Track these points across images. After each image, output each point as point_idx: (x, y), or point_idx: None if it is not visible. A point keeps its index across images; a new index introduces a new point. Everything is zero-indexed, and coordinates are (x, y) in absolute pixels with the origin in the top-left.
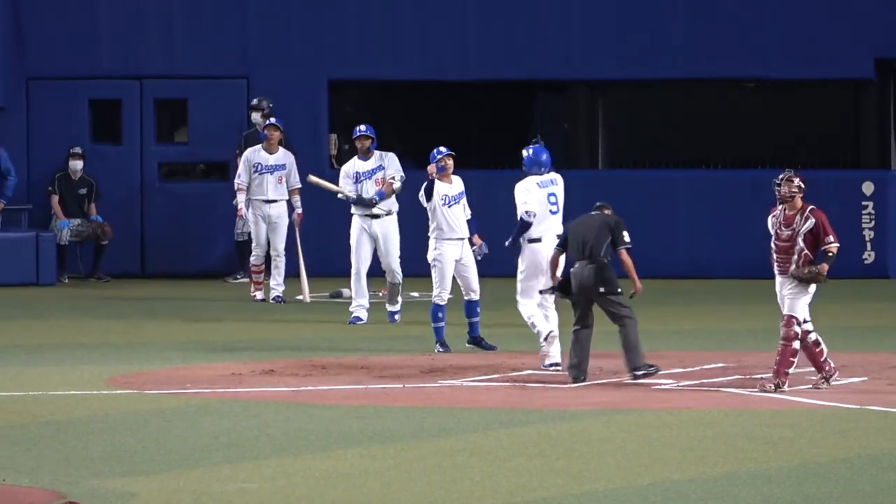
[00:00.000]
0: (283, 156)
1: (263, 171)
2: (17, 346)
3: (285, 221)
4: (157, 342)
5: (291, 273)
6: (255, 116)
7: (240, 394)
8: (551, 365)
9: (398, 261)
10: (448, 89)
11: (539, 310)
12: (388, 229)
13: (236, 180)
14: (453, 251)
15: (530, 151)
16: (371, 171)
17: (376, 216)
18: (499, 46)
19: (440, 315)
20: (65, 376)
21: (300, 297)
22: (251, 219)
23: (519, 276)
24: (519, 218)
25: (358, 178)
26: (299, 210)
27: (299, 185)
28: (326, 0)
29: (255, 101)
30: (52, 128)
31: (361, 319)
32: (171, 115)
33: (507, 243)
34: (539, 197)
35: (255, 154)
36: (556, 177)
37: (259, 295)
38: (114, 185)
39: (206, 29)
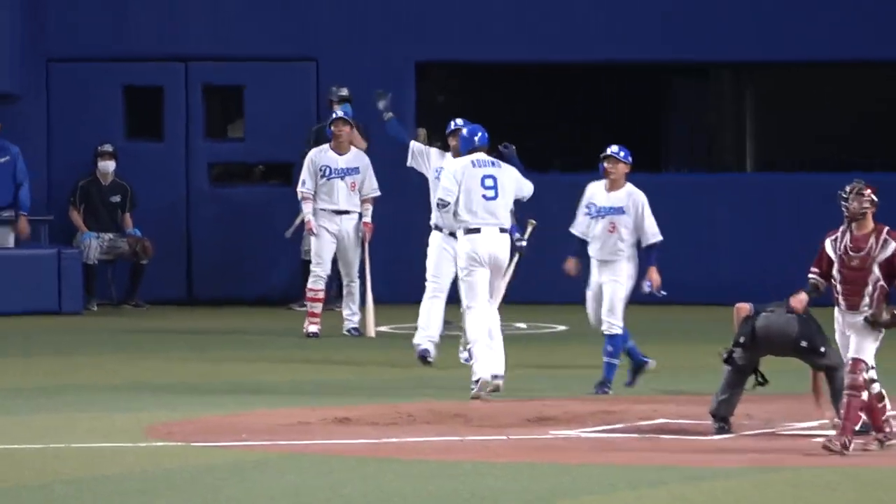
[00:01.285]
0: (356, 157)
1: (332, 175)
2: (35, 387)
3: (359, 237)
4: (207, 383)
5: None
6: (337, 109)
7: (308, 447)
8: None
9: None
10: (558, 72)
11: (483, 331)
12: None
13: (300, 188)
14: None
15: (464, 131)
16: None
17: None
18: (621, 21)
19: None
20: (93, 425)
21: (352, 327)
22: (315, 232)
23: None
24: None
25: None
26: (367, 219)
27: (377, 193)
28: None
29: (336, 90)
30: (78, 121)
31: (429, 353)
32: (223, 106)
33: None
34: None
35: (321, 155)
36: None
37: (313, 329)
38: (153, 191)
39: (264, 2)
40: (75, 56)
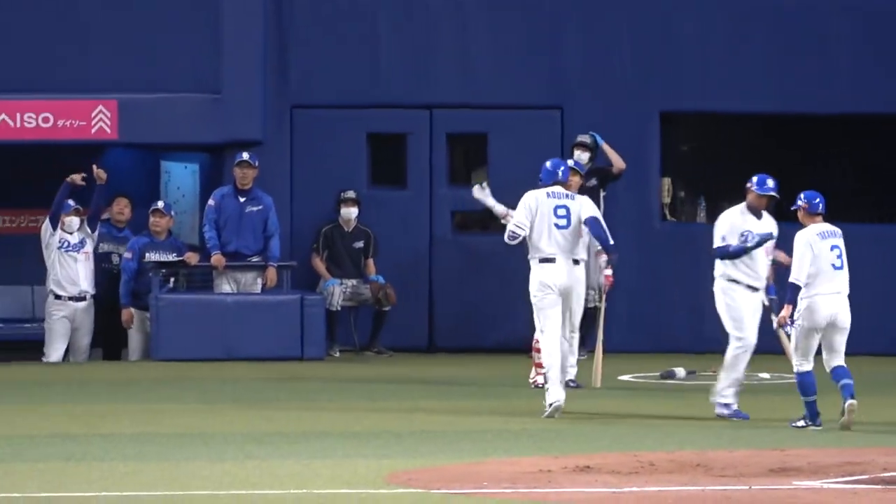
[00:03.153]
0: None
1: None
2: (277, 433)
3: (584, 287)
4: (448, 431)
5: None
6: (580, 155)
7: (548, 495)
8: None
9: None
10: (810, 124)
11: (557, 358)
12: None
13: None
14: None
15: (548, 164)
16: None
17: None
18: (882, 71)
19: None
20: (335, 471)
21: (569, 378)
22: None
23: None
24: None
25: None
26: (608, 272)
27: (610, 242)
28: (658, 20)
29: (580, 138)
30: (321, 167)
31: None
32: (467, 153)
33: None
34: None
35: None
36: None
37: (541, 380)
38: (396, 237)
39: (510, 51)
40: (319, 103)
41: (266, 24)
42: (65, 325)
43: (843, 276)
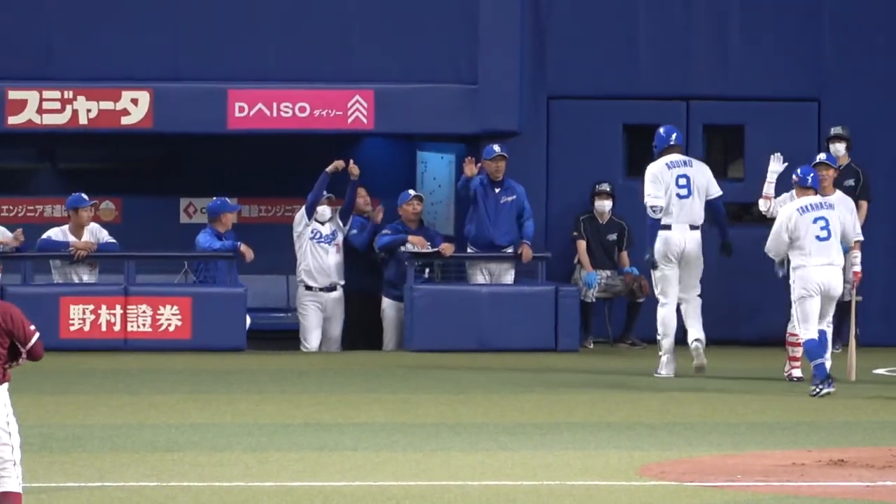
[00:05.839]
0: (840, 200)
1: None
2: (530, 424)
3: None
4: (701, 423)
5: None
6: (838, 148)
7: (801, 488)
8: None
9: None
10: None
11: (673, 327)
12: None
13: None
14: None
15: (661, 129)
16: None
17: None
18: None
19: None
20: (587, 463)
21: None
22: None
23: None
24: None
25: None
26: (857, 268)
27: (859, 237)
28: None
29: (835, 130)
30: (576, 158)
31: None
32: (724, 145)
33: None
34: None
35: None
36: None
37: (796, 373)
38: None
39: (767, 42)
40: (576, 94)
41: (523, 15)
42: (317, 314)
43: (832, 247)
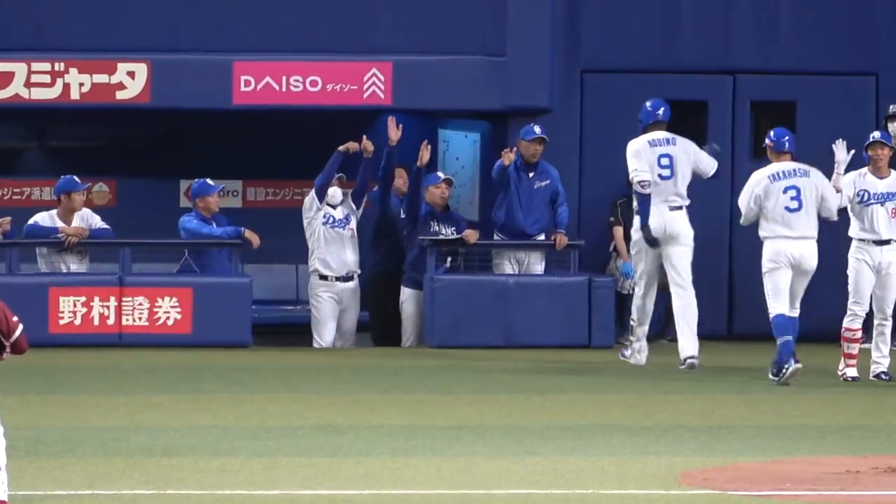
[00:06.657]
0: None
1: (870, 200)
2: (560, 427)
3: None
4: (746, 426)
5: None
6: (894, 127)
7: (852, 498)
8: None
9: None
10: None
11: (646, 316)
12: None
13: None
14: None
15: (648, 104)
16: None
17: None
18: None
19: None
20: (623, 469)
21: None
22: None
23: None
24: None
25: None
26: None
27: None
28: None
29: (894, 108)
30: (613, 137)
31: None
32: (773, 122)
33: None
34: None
35: (859, 179)
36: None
37: (851, 372)
38: (693, 216)
39: (820, 12)
40: (612, 67)
41: None
42: (332, 306)
43: (804, 218)
